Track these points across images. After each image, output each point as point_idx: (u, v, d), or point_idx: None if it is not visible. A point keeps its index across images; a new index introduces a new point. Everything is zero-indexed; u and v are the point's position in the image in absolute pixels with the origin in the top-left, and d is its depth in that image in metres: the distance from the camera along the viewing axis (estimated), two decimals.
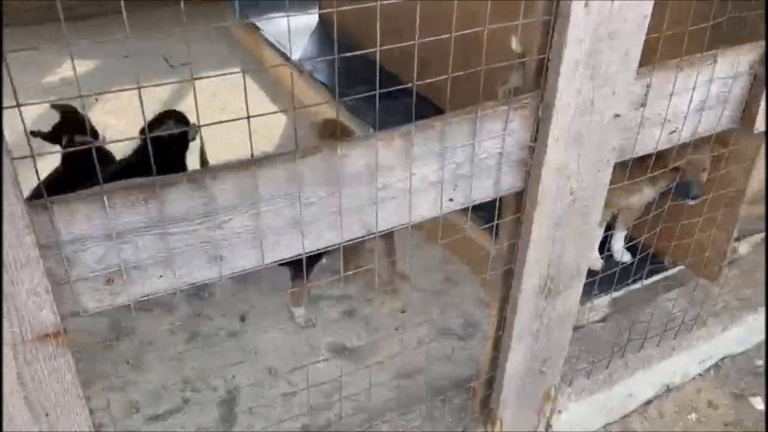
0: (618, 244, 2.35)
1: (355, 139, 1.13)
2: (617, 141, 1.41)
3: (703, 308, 2.21)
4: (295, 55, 4.16)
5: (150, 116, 2.50)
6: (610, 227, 2.36)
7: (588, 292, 2.18)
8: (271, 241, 1.14)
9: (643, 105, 1.44)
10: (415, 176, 1.23)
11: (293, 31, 4.46)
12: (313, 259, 2.25)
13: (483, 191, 1.35)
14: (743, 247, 2.51)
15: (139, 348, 2.28)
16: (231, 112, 3.74)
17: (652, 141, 1.52)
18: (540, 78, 1.27)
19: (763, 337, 2.39)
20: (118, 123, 3.67)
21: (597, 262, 2.30)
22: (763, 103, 1.60)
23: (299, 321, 2.39)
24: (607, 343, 2.12)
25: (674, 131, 1.54)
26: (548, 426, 1.93)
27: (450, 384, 2.07)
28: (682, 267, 2.32)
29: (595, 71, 1.27)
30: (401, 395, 2.11)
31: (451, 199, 1.31)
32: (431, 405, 1.93)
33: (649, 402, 2.19)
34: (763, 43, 1.55)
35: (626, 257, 2.35)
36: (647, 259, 2.24)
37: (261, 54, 4.56)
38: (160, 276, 1.06)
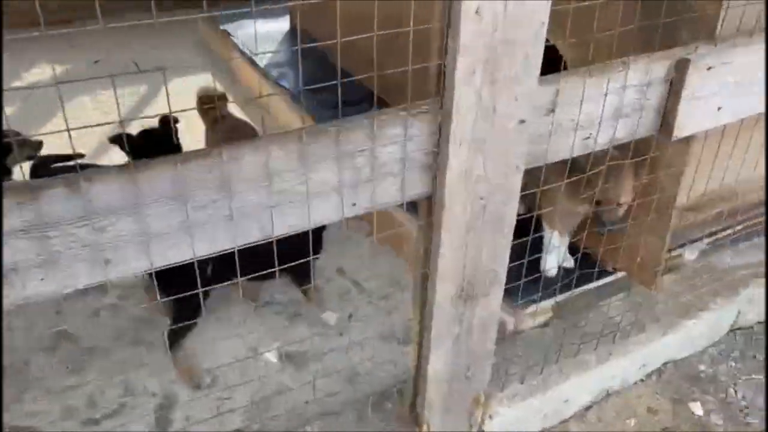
0: (562, 250, 2.37)
1: (246, 143, 1.14)
2: (526, 147, 1.43)
3: (642, 314, 2.23)
4: (264, 62, 4.19)
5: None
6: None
7: (530, 298, 2.20)
8: (160, 244, 1.14)
9: (552, 111, 1.45)
10: (314, 180, 1.24)
11: (264, 38, 4.48)
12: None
13: (388, 196, 1.36)
14: (690, 254, 2.53)
15: (82, 353, 2.28)
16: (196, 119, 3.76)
17: (565, 147, 1.53)
18: (440, 84, 1.28)
19: (705, 342, 2.41)
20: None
21: (552, 270, 2.32)
22: (681, 110, 1.61)
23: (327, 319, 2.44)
24: (545, 348, 2.13)
25: (588, 137, 1.55)
26: (480, 431, 1.93)
27: (388, 388, 2.08)
28: (624, 274, 2.33)
29: (495, 77, 1.28)
30: (340, 400, 2.12)
31: (354, 204, 1.32)
32: (363, 409, 1.93)
33: (589, 407, 2.20)
34: (676, 51, 1.57)
35: (569, 263, 2.37)
36: (591, 266, 2.25)
37: (231, 60, 4.58)
38: (42, 279, 1.07)
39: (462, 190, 1.40)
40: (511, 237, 1.56)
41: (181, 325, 2.08)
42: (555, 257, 2.31)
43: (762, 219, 2.56)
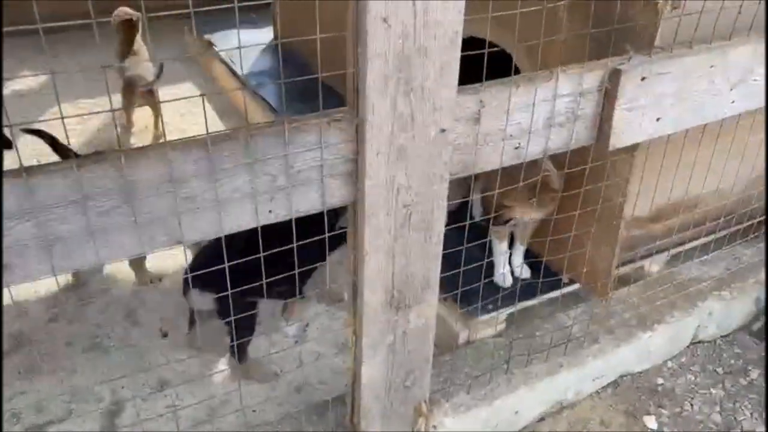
0: (518, 260, 2.36)
1: (147, 148, 1.14)
2: (449, 156, 1.42)
3: (597, 325, 2.21)
4: (243, 71, 4.21)
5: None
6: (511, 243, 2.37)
7: (483, 307, 2.19)
8: (63, 249, 1.14)
9: (478, 121, 1.45)
10: (224, 187, 1.24)
11: (246, 48, 4.51)
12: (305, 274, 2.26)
13: (308, 203, 1.36)
14: (652, 266, 2.51)
15: (35, 358, 2.28)
16: (174, 129, 3.78)
17: (495, 157, 1.53)
18: (354, 93, 1.28)
19: (664, 355, 2.38)
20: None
21: (506, 278, 2.31)
22: (616, 120, 1.61)
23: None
24: (496, 358, 2.12)
25: (519, 147, 1.55)
26: None
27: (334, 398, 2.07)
28: (579, 284, 2.32)
29: (410, 86, 1.28)
30: (284, 410, 2.11)
31: (270, 211, 1.32)
32: (307, 418, 1.92)
33: (541, 419, 2.18)
34: (609, 61, 1.57)
35: (526, 273, 2.36)
36: (544, 275, 2.24)
37: (212, 70, 4.61)
38: None
39: (384, 199, 1.39)
40: (441, 244, 1.56)
41: (245, 339, 2.18)
42: (502, 263, 2.30)
43: (727, 231, 2.54)
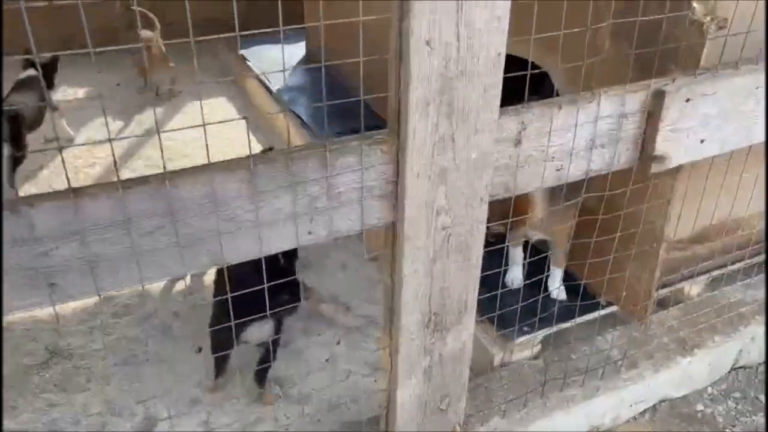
0: (554, 283, 2.32)
1: (188, 170, 1.15)
2: (491, 178, 1.41)
3: (635, 349, 2.16)
4: (276, 86, 4.25)
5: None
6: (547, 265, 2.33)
7: (519, 329, 2.16)
8: (107, 269, 1.15)
9: (520, 143, 1.43)
10: (265, 208, 1.24)
11: (279, 62, 4.55)
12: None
13: (347, 224, 1.35)
14: (693, 288, 2.45)
15: (71, 369, 2.31)
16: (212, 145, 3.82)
17: (536, 178, 1.51)
18: (395, 114, 1.27)
19: (705, 381, 2.32)
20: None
21: (515, 281, 2.31)
22: (659, 142, 1.58)
23: None
24: (532, 381, 2.08)
25: (560, 169, 1.52)
26: None
27: (367, 418, 2.05)
28: (617, 307, 2.27)
29: (451, 108, 1.27)
30: (324, 429, 2.10)
31: (310, 232, 1.32)
32: None
33: None
34: (653, 82, 1.54)
35: (562, 296, 2.32)
36: (582, 297, 2.20)
37: (246, 84, 4.66)
38: None
39: (424, 221, 1.38)
40: (479, 267, 1.54)
41: (266, 365, 2.16)
42: (514, 268, 2.29)
43: None
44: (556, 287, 2.32)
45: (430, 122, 1.27)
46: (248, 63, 4.64)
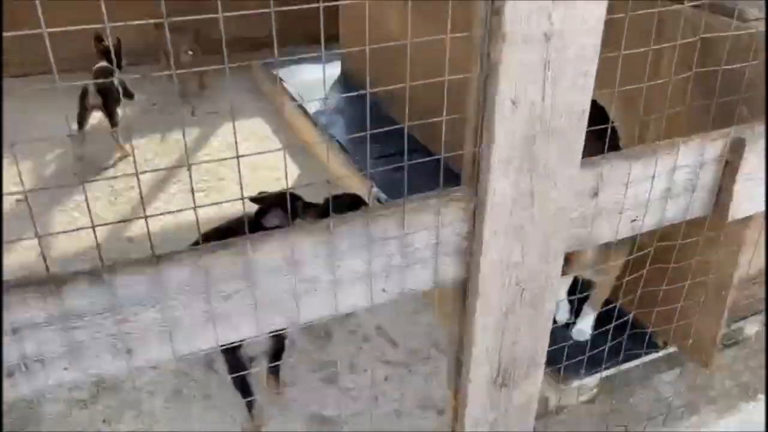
0: (584, 323, 2.26)
1: (269, 234, 1.12)
2: (567, 231, 1.36)
3: (697, 394, 2.09)
4: (312, 108, 4.24)
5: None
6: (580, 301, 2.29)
7: (575, 371, 2.10)
8: (184, 334, 1.13)
9: (596, 194, 1.38)
10: (341, 269, 1.21)
11: (314, 83, 4.55)
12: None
13: (420, 281, 1.32)
14: (750, 328, 2.38)
15: (119, 404, 2.30)
16: (246, 168, 3.82)
17: (610, 230, 1.46)
18: (473, 171, 1.24)
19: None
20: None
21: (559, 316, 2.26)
22: (736, 191, 1.52)
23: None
24: (590, 427, 2.02)
25: (635, 220, 1.47)
26: None
27: None
28: (676, 348, 2.20)
29: (533, 165, 1.23)
30: None
31: (383, 290, 1.29)
32: None
33: None
34: (732, 130, 1.49)
35: (583, 337, 2.25)
36: (642, 339, 2.14)
37: (281, 105, 4.66)
38: (65, 369, 1.06)
39: (498, 277, 1.34)
40: (551, 321, 1.49)
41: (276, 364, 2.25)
42: (565, 309, 2.26)
43: None
44: (581, 327, 2.27)
45: (511, 180, 1.23)
46: (285, 85, 4.65)
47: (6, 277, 0.97)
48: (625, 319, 2.22)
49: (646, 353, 2.15)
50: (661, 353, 2.20)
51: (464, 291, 1.39)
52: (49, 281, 0.99)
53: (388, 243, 1.24)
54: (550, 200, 1.30)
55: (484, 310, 1.38)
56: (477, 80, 1.15)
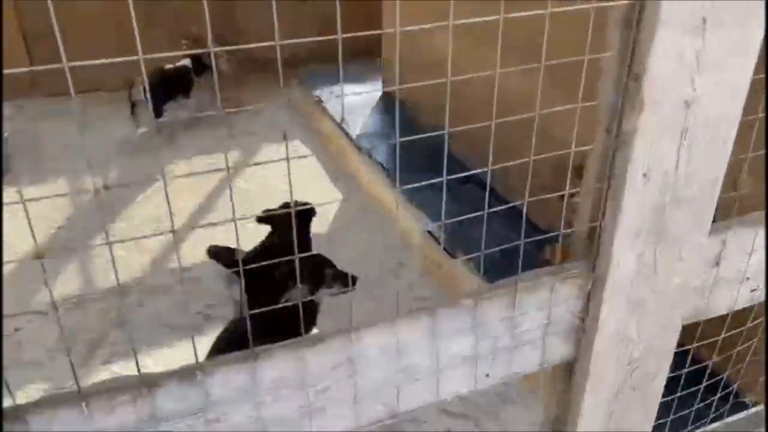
0: None
1: (371, 322, 1.01)
2: (686, 305, 1.23)
3: None
4: (355, 131, 4.14)
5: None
6: None
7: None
8: (278, 430, 1.02)
9: (718, 264, 1.25)
10: (445, 354, 1.09)
11: (354, 106, 4.45)
12: None
13: (527, 363, 1.19)
14: None
15: None
16: (281, 191, 3.72)
17: (728, 300, 1.32)
18: (591, 245, 1.11)
19: None
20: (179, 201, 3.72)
21: None
22: None
23: None
24: None
25: (755, 290, 1.34)
26: None
27: None
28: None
29: (660, 237, 1.11)
30: None
31: (487, 375, 1.16)
32: None
33: None
34: None
35: None
36: (728, 397, 1.99)
37: (321, 127, 4.57)
38: None
39: (612, 355, 1.21)
40: (660, 395, 1.36)
41: None
42: None
43: None
44: None
45: (635, 253, 1.10)
46: (323, 104, 4.56)
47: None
48: (717, 378, 2.07)
49: (736, 412, 2.00)
50: (749, 411, 2.04)
51: (570, 370, 1.27)
52: (140, 383, 0.89)
53: (494, 325, 1.11)
54: (673, 272, 1.17)
55: (593, 391, 1.24)
56: (605, 151, 1.03)
